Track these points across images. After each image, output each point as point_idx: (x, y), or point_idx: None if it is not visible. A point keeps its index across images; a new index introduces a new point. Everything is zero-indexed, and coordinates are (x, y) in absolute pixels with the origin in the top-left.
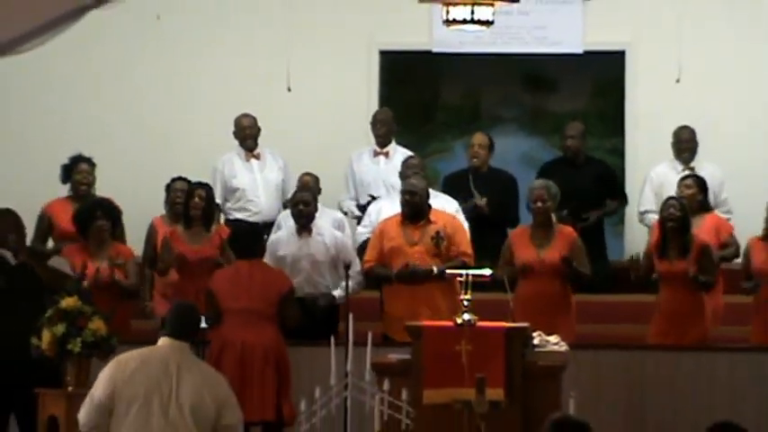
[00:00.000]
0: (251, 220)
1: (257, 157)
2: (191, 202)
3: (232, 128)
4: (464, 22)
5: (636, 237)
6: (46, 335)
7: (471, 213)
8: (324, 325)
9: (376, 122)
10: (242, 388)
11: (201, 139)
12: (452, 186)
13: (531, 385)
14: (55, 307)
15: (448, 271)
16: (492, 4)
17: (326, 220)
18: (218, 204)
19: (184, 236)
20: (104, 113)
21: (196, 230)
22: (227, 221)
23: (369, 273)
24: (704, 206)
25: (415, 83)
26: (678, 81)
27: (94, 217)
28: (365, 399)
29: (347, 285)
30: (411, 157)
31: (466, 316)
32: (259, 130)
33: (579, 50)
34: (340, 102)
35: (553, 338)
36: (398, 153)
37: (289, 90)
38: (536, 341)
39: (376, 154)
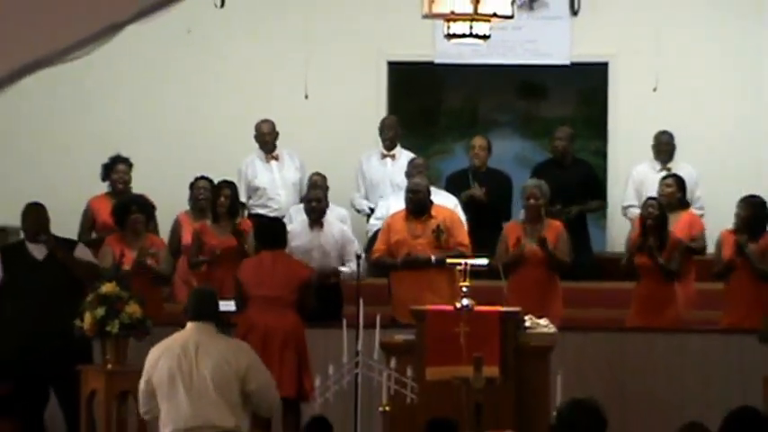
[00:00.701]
0: (271, 215)
1: (276, 158)
2: (217, 200)
3: (253, 132)
4: (463, 36)
5: (617, 230)
6: (87, 317)
7: (469, 202)
8: (331, 304)
9: (384, 127)
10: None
11: (225, 142)
12: (454, 184)
13: (523, 363)
14: (95, 292)
15: (449, 260)
16: (489, 20)
17: (334, 215)
18: (242, 202)
19: (212, 229)
20: (139, 119)
21: (222, 224)
22: (250, 216)
23: (377, 261)
24: (682, 203)
25: (419, 91)
26: (655, 90)
27: (130, 211)
28: (374, 375)
29: (358, 273)
30: (415, 158)
31: (464, 301)
32: (277, 134)
33: (567, 62)
34: (352, 108)
35: (543, 321)
36: (404, 155)
37: (306, 97)
38: (527, 324)
39: (383, 156)
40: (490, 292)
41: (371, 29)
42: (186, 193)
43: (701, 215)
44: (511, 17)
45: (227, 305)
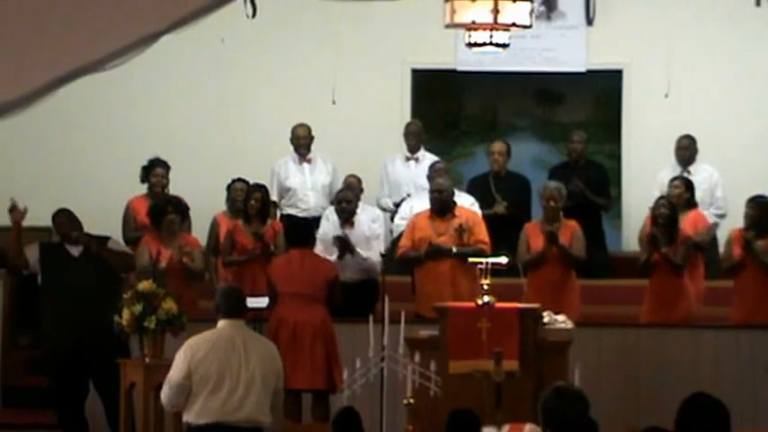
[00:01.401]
0: (300, 215)
1: (309, 161)
2: (249, 203)
3: (285, 136)
4: (484, 44)
5: (631, 229)
6: (126, 313)
7: (492, 216)
8: (367, 300)
9: (408, 132)
10: (295, 361)
11: (258, 146)
12: (476, 187)
13: (541, 358)
14: (133, 289)
15: (470, 259)
16: (508, 30)
17: (367, 215)
18: (274, 201)
19: (244, 229)
20: (176, 123)
21: (254, 225)
22: (281, 216)
23: (402, 256)
24: (690, 203)
25: (441, 97)
26: (667, 96)
27: (166, 212)
28: (399, 369)
29: (383, 270)
30: (437, 161)
31: (485, 298)
32: (312, 138)
33: (583, 69)
34: (377, 113)
35: (560, 317)
36: (426, 158)
37: (334, 103)
38: (546, 320)
39: (407, 159)
40: (510, 289)
41: (396, 38)
42: (220, 194)
43: (723, 215)
44: (529, 27)
45: (259, 302)
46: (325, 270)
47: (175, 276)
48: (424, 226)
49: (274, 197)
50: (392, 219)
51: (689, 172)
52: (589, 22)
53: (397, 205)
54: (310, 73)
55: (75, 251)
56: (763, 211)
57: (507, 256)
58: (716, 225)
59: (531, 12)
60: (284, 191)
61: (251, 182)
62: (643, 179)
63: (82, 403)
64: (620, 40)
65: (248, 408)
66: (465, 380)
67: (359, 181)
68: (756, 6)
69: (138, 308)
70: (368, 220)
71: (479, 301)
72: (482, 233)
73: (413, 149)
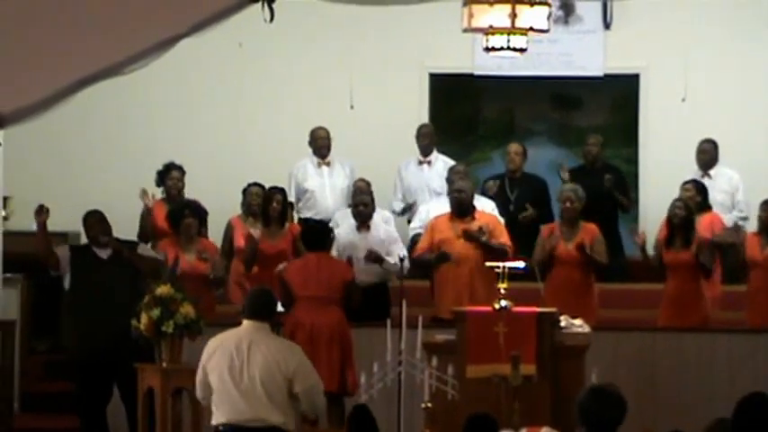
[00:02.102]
0: (317, 218)
1: (327, 164)
2: (269, 206)
3: (302, 140)
4: (501, 49)
5: (649, 234)
6: (144, 318)
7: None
8: (380, 306)
9: (420, 135)
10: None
11: (275, 150)
12: (489, 188)
13: (558, 362)
14: (151, 294)
15: (488, 263)
16: (525, 34)
17: (378, 217)
18: (291, 203)
19: (264, 233)
20: (193, 127)
21: (273, 229)
22: (299, 219)
23: (418, 258)
24: (703, 206)
25: (459, 101)
26: (684, 100)
27: (184, 216)
28: (416, 373)
29: (402, 274)
30: (455, 164)
31: (503, 302)
32: (331, 141)
33: (600, 74)
34: (395, 117)
35: (577, 321)
36: (439, 161)
37: (352, 108)
38: (563, 324)
39: (420, 162)
40: (527, 293)
41: (414, 42)
42: (235, 198)
43: (745, 218)
44: (546, 31)
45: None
46: (341, 272)
47: (193, 281)
48: (443, 228)
49: (291, 198)
50: (408, 222)
51: (709, 176)
52: (606, 26)
53: (406, 210)
54: (328, 77)
55: (103, 254)
56: None
57: (525, 262)
58: (740, 228)
59: (549, 16)
60: (302, 193)
61: (266, 186)
62: (660, 183)
63: (104, 408)
64: (637, 45)
65: (253, 409)
66: (482, 384)
67: (368, 185)
68: None
69: (156, 312)
70: (382, 222)
71: (497, 306)
72: (504, 235)
73: (425, 151)
